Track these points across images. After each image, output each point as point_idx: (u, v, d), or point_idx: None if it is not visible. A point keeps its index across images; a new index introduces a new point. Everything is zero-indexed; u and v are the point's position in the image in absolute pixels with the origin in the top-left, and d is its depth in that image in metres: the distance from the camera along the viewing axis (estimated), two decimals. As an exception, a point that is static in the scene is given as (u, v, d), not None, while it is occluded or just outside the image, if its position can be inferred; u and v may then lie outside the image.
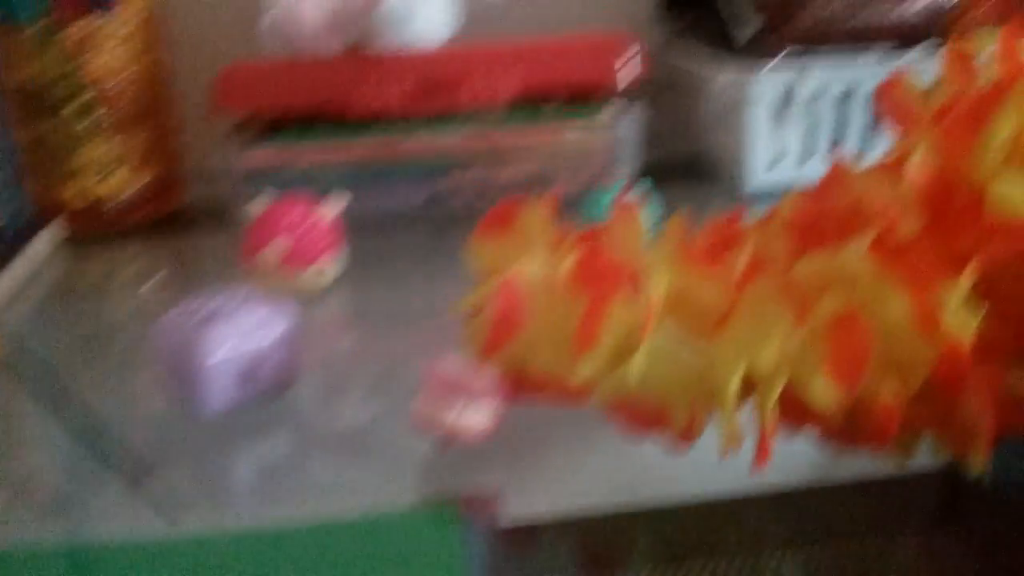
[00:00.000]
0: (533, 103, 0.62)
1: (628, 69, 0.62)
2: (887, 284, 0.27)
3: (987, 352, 0.26)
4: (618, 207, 0.37)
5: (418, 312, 0.49)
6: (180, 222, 0.67)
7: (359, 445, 0.36)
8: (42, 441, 0.39)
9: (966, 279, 0.26)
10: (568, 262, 0.33)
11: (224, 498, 0.34)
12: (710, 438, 0.29)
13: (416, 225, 0.61)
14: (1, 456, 0.38)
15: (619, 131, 0.61)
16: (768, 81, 0.60)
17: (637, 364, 0.29)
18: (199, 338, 0.35)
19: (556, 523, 0.30)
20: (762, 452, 0.27)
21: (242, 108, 0.63)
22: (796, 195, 0.34)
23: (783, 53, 0.60)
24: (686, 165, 0.72)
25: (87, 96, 0.63)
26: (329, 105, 0.62)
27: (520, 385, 0.33)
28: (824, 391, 0.26)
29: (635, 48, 0.62)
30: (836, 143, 0.61)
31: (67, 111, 0.63)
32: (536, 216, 0.38)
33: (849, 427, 0.28)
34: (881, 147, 0.60)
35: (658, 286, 0.30)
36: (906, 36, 0.62)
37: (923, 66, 0.55)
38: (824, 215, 0.32)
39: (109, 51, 0.63)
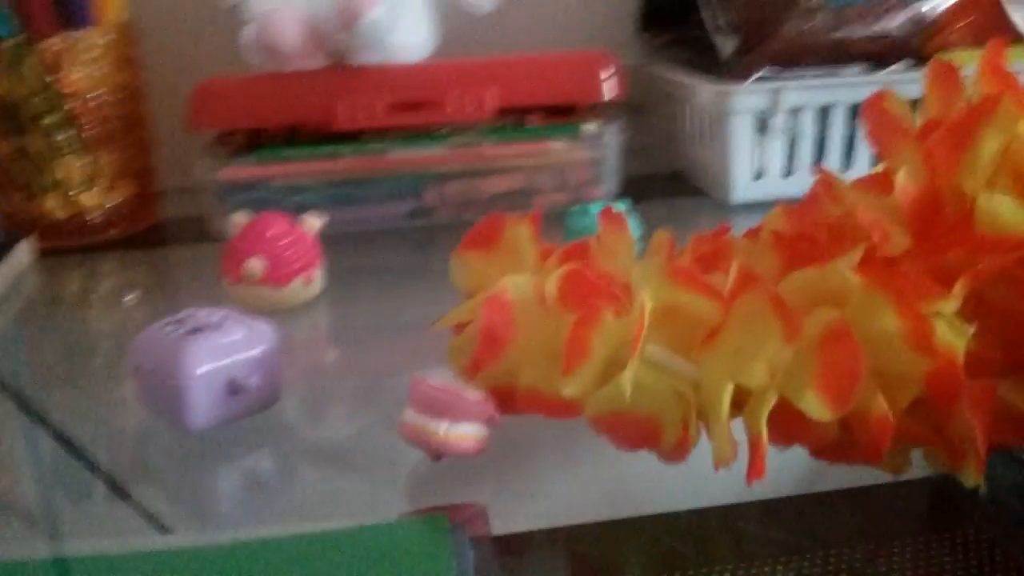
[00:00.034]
0: (515, 118, 0.62)
1: (609, 85, 0.62)
2: (878, 298, 0.27)
3: (979, 366, 0.26)
4: (605, 221, 0.37)
5: (401, 325, 0.49)
6: (157, 237, 0.66)
7: (344, 458, 0.36)
8: (23, 455, 0.38)
9: (956, 293, 0.26)
10: (555, 278, 0.32)
11: (210, 512, 0.34)
12: (700, 449, 0.29)
13: (398, 239, 0.61)
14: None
15: (601, 146, 0.61)
16: (750, 94, 0.60)
17: (627, 379, 0.29)
18: (182, 352, 0.34)
19: (546, 533, 0.30)
20: (756, 467, 0.26)
21: (218, 123, 0.62)
22: (782, 210, 0.35)
23: (761, 72, 0.61)
24: (669, 179, 0.72)
25: (62, 111, 0.62)
26: (308, 120, 0.61)
27: (508, 400, 0.32)
28: (816, 406, 0.26)
29: (616, 64, 0.63)
30: (818, 157, 0.62)
31: (42, 126, 0.62)
32: (520, 232, 0.37)
33: (842, 442, 0.28)
34: (863, 161, 0.61)
35: (647, 301, 0.30)
36: (884, 53, 0.63)
37: (902, 82, 0.56)
38: (812, 230, 0.32)
39: (84, 67, 0.62)
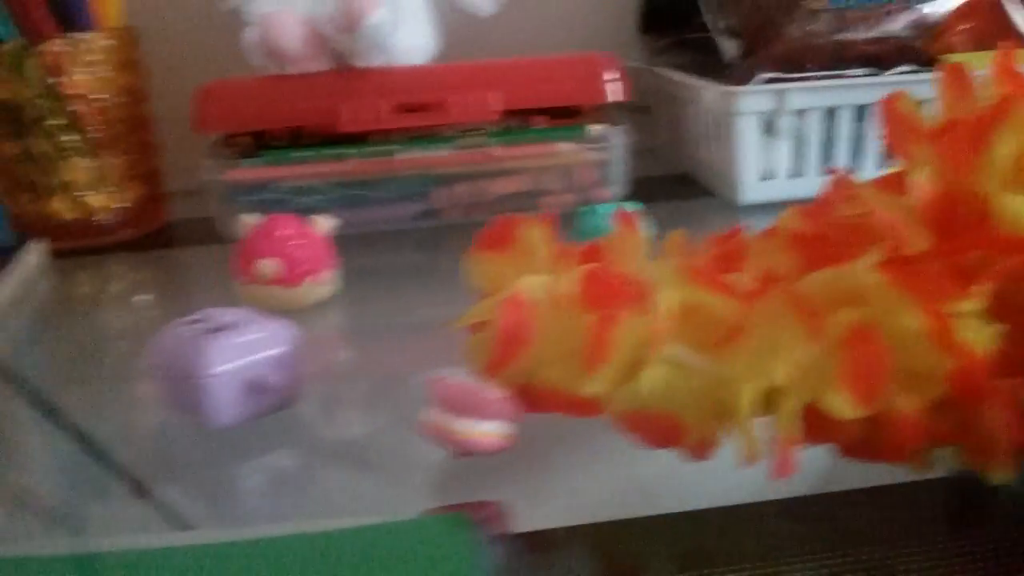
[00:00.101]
0: (520, 120, 0.63)
1: (613, 87, 0.62)
2: (899, 297, 0.27)
3: (1005, 364, 0.26)
4: (619, 222, 0.37)
5: (412, 326, 0.49)
6: (165, 239, 0.66)
7: (361, 457, 0.36)
8: (42, 453, 0.38)
9: (977, 292, 0.27)
10: (574, 277, 0.33)
11: (230, 509, 0.34)
12: (723, 448, 0.29)
13: (406, 240, 0.61)
14: (2, 469, 0.37)
15: (607, 147, 0.62)
16: (755, 96, 0.60)
17: (649, 378, 0.29)
18: (202, 350, 0.34)
19: (570, 531, 0.30)
20: (783, 466, 0.27)
21: (223, 126, 0.62)
22: (797, 210, 0.35)
23: (765, 75, 0.61)
24: (676, 181, 0.72)
25: (65, 114, 0.62)
26: (313, 122, 0.61)
27: (528, 399, 0.33)
28: (841, 404, 0.26)
29: (620, 66, 0.63)
30: (825, 158, 0.62)
31: (46, 128, 0.62)
32: (535, 233, 0.38)
33: (867, 440, 0.28)
34: (870, 162, 0.61)
35: (667, 300, 0.30)
36: (886, 55, 0.63)
37: (907, 84, 0.56)
38: (828, 230, 0.32)
39: (86, 70, 0.62)
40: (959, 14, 0.62)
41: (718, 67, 0.64)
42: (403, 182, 0.61)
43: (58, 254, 0.61)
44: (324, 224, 0.50)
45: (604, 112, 0.63)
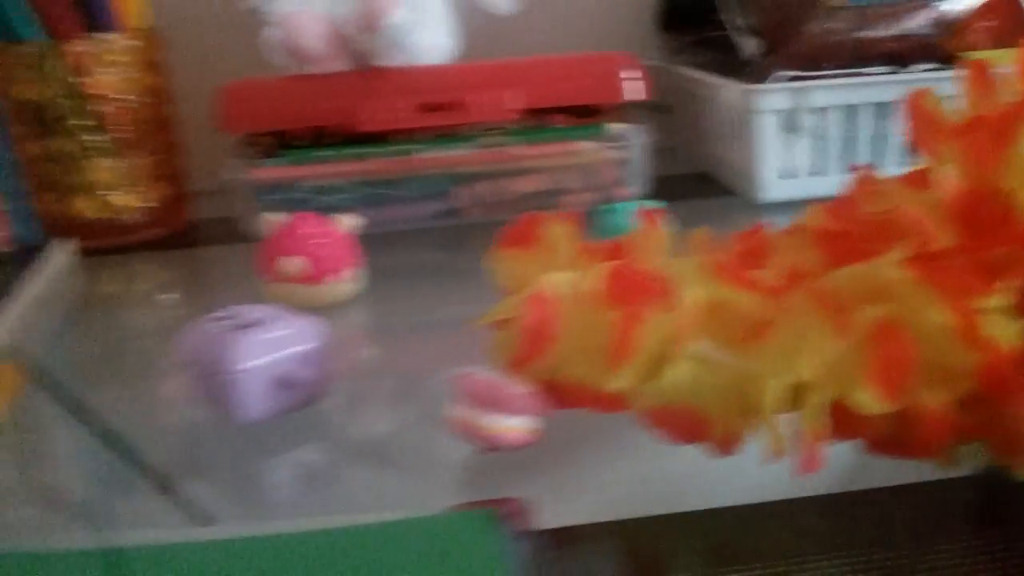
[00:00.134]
0: (539, 119, 0.63)
1: (632, 85, 0.63)
2: (926, 293, 0.27)
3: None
4: (642, 219, 0.37)
5: (434, 323, 0.49)
6: (190, 238, 0.67)
7: (386, 453, 0.37)
8: (70, 451, 0.39)
9: (1003, 288, 0.27)
10: (598, 274, 0.33)
11: (256, 506, 0.34)
12: (748, 444, 0.30)
13: (427, 238, 0.62)
14: (27, 467, 0.38)
15: (627, 146, 0.62)
16: (775, 94, 0.61)
17: (674, 374, 0.30)
18: (231, 346, 0.35)
19: (596, 527, 0.30)
20: (810, 461, 0.27)
21: (246, 125, 0.63)
22: (821, 207, 0.35)
23: (785, 73, 0.61)
24: (696, 179, 0.72)
25: (89, 114, 0.63)
26: (334, 121, 0.62)
27: (553, 395, 0.33)
28: (868, 400, 0.27)
29: (639, 65, 0.63)
30: (846, 156, 0.62)
31: (70, 129, 0.63)
32: (559, 230, 0.38)
33: (895, 436, 0.28)
34: (892, 160, 0.61)
35: (693, 296, 0.30)
36: (906, 53, 0.63)
37: (927, 81, 0.56)
38: (854, 226, 0.32)
39: (109, 70, 0.63)
40: (979, 11, 0.62)
41: (737, 65, 0.64)
42: (424, 181, 0.62)
43: (84, 253, 0.62)
44: (348, 222, 0.51)
45: (624, 111, 0.64)
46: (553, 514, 0.30)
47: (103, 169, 0.64)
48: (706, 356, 0.30)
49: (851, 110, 0.61)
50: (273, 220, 0.50)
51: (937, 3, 0.62)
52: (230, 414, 0.35)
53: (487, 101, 0.61)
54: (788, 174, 0.63)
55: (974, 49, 0.62)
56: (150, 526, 0.32)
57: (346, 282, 0.50)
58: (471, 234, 0.61)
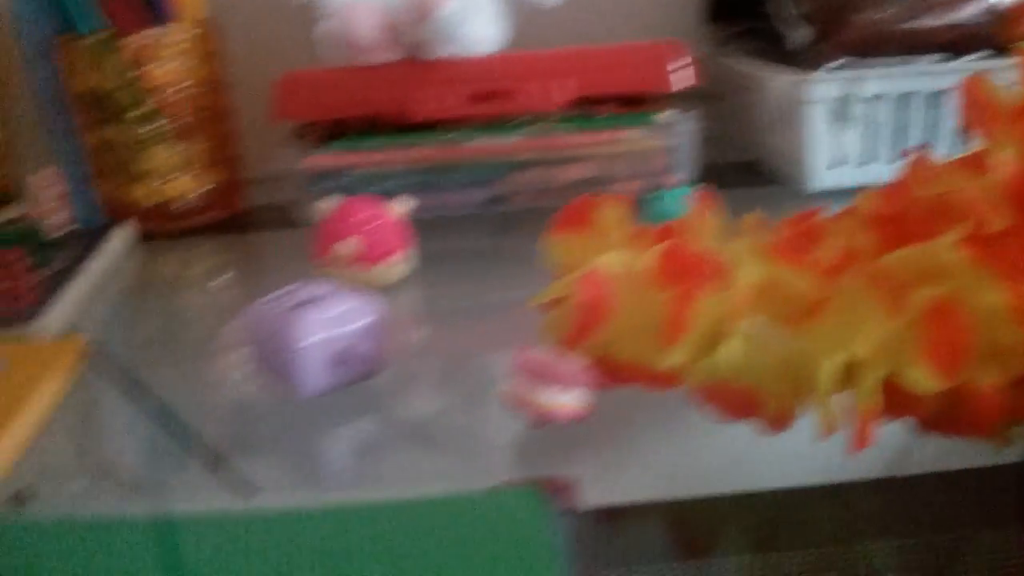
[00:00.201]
0: (588, 108, 0.63)
1: (681, 74, 0.63)
2: (981, 274, 0.27)
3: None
4: (695, 202, 0.37)
5: (483, 307, 0.50)
6: (243, 223, 0.68)
7: (438, 431, 0.37)
8: (124, 427, 0.40)
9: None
10: (652, 254, 0.33)
11: (311, 477, 0.35)
12: (799, 427, 0.30)
13: (476, 225, 0.62)
14: (85, 441, 0.39)
15: (675, 134, 0.62)
16: (826, 83, 0.60)
17: (727, 351, 0.30)
18: (293, 322, 0.36)
19: (643, 507, 0.31)
20: (861, 439, 0.27)
21: (301, 114, 0.64)
22: (875, 191, 0.35)
23: (836, 62, 0.61)
24: (744, 168, 0.72)
25: (149, 104, 0.64)
26: (387, 110, 0.63)
27: (606, 372, 0.34)
28: (923, 379, 0.27)
29: (687, 54, 0.63)
30: (897, 145, 0.62)
31: (130, 118, 0.64)
32: (612, 212, 0.38)
33: (946, 415, 0.28)
34: (943, 149, 0.61)
35: (747, 276, 0.31)
36: (957, 43, 0.62)
37: (980, 71, 0.56)
38: (909, 209, 0.32)
39: (168, 61, 0.64)
40: (1033, 0, 0.61)
41: (785, 55, 0.64)
42: (473, 169, 0.62)
43: (142, 237, 0.63)
44: (399, 206, 0.52)
45: (673, 99, 0.64)
46: (602, 492, 0.31)
47: (161, 156, 0.65)
48: (759, 334, 0.30)
49: (903, 99, 0.61)
50: (326, 205, 0.51)
51: (990, -8, 0.62)
52: (291, 389, 0.36)
53: (536, 90, 0.62)
54: (837, 163, 0.63)
55: (1027, 39, 0.61)
56: (200, 499, 0.33)
57: (397, 265, 0.51)
58: (519, 221, 0.61)
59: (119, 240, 0.60)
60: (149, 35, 0.63)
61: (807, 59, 0.62)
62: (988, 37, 0.62)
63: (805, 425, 0.30)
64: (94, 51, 0.63)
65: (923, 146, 0.35)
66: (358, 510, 0.30)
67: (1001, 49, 0.61)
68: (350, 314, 0.37)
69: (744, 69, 0.71)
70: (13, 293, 0.48)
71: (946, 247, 0.28)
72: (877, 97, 0.61)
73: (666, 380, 0.32)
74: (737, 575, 0.27)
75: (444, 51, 0.62)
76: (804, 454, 0.31)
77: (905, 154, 0.35)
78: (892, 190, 0.34)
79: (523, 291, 0.38)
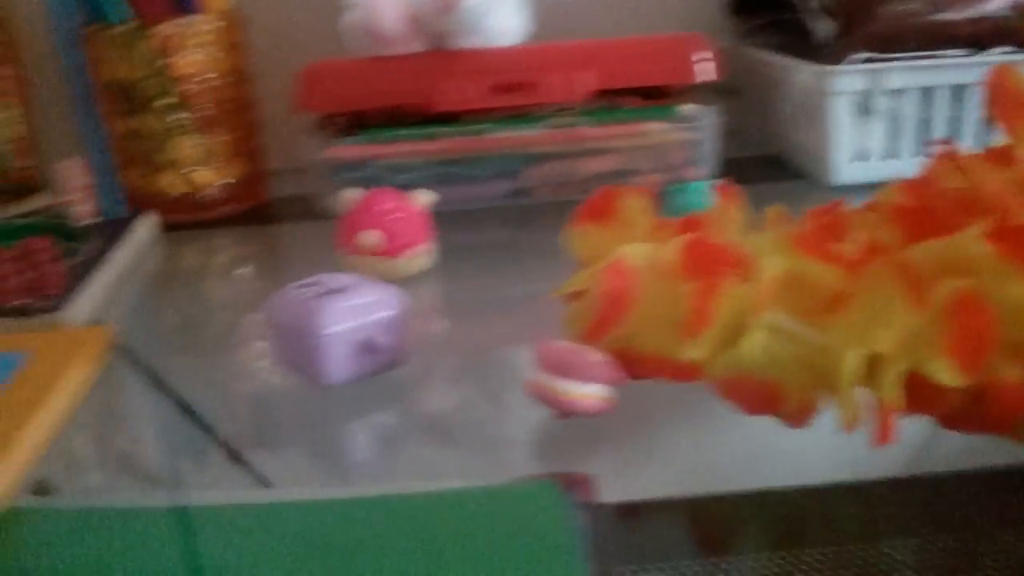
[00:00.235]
0: (610, 100, 0.63)
1: (703, 67, 0.63)
2: (1007, 268, 0.27)
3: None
4: (719, 195, 0.38)
5: (504, 299, 0.50)
6: (266, 214, 0.69)
7: (459, 422, 0.38)
8: (146, 417, 0.41)
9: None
10: (675, 246, 0.33)
11: (333, 467, 0.35)
12: (820, 425, 0.30)
13: (498, 217, 0.63)
14: (108, 430, 0.40)
15: (698, 127, 0.62)
16: (850, 76, 0.60)
17: (750, 344, 0.30)
18: (318, 310, 0.36)
19: (663, 504, 0.31)
20: (884, 432, 0.27)
21: (325, 105, 0.64)
22: (899, 184, 0.35)
23: (860, 55, 0.61)
24: (767, 162, 0.72)
25: (174, 94, 0.65)
26: (410, 102, 0.63)
27: (628, 364, 0.34)
28: (946, 372, 0.27)
29: (710, 47, 0.63)
30: (921, 139, 0.61)
31: (156, 108, 0.65)
32: (635, 204, 0.39)
33: (970, 410, 0.28)
34: (967, 142, 0.60)
35: (770, 268, 0.31)
36: (982, 36, 0.62)
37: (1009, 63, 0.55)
38: (933, 203, 0.32)
39: (193, 52, 0.65)
40: (1062, -6, 0.61)
41: (809, 48, 0.64)
42: (496, 161, 0.62)
43: (166, 227, 0.64)
44: (422, 198, 0.52)
45: (695, 92, 0.64)
46: (622, 487, 0.31)
47: (186, 147, 0.66)
48: (782, 327, 0.30)
49: (927, 92, 0.61)
50: (350, 196, 0.51)
51: (1015, -14, 0.61)
52: (315, 377, 0.37)
53: (559, 82, 0.62)
54: (860, 157, 0.62)
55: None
56: (219, 489, 0.33)
57: (419, 256, 0.51)
58: (540, 213, 0.61)
59: (143, 230, 0.61)
60: (176, 25, 0.64)
61: (831, 52, 0.62)
62: (1013, 31, 0.62)
63: (827, 420, 0.30)
64: (122, 41, 0.63)
65: (947, 140, 0.34)
66: (376, 502, 0.30)
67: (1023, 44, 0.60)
68: (374, 305, 0.37)
69: (767, 62, 0.71)
70: (39, 283, 0.48)
71: (971, 240, 0.28)
72: (901, 91, 0.61)
73: (688, 373, 0.32)
74: (756, 573, 0.27)
75: (467, 42, 0.62)
76: (825, 450, 0.31)
77: (930, 147, 0.35)
78: (916, 183, 0.34)
79: (545, 284, 0.39)
